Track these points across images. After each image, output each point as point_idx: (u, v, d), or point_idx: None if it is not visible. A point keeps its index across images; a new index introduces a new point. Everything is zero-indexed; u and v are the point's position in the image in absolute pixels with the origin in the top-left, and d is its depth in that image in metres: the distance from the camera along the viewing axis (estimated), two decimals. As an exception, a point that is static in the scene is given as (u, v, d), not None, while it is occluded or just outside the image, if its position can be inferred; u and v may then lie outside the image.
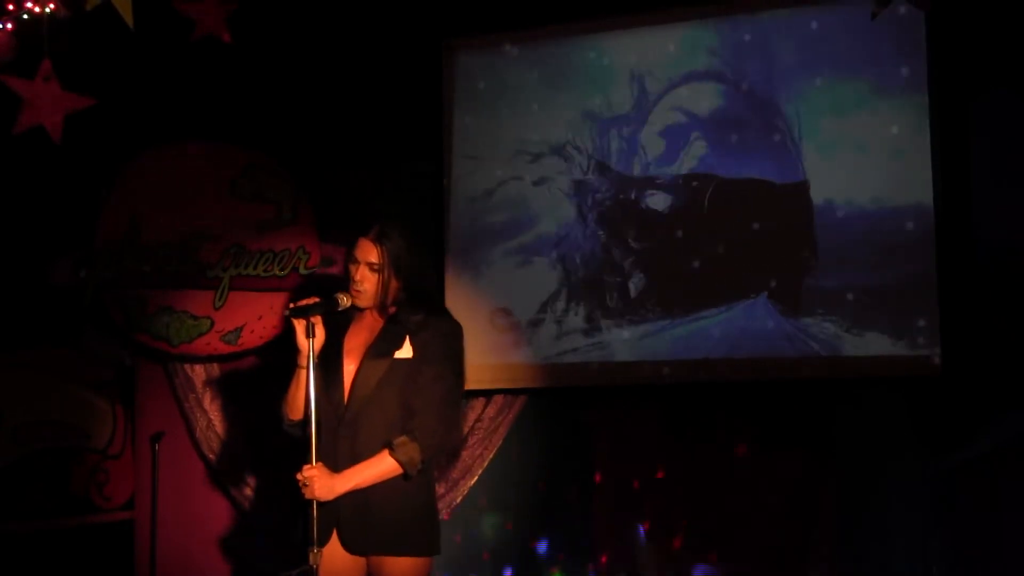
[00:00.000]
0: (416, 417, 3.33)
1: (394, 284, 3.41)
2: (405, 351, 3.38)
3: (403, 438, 3.31)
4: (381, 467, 3.31)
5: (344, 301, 3.38)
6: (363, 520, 3.34)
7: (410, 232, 3.47)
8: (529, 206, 5.06)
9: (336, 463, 3.34)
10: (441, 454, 3.50)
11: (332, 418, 3.40)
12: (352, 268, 3.42)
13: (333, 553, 3.35)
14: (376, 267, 3.39)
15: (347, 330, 3.49)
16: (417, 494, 3.39)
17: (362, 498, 3.32)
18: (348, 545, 3.35)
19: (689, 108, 4.84)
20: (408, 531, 3.36)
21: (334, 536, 3.36)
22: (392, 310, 3.44)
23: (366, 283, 3.39)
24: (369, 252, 3.39)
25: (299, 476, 3.26)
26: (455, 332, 3.46)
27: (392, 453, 3.29)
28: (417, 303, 3.43)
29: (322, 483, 3.26)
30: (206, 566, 5.43)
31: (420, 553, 3.39)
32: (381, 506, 3.33)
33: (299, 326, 3.32)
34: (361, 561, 3.40)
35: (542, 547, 5.04)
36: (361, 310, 3.46)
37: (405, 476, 3.31)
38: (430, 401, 3.34)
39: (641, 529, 4.85)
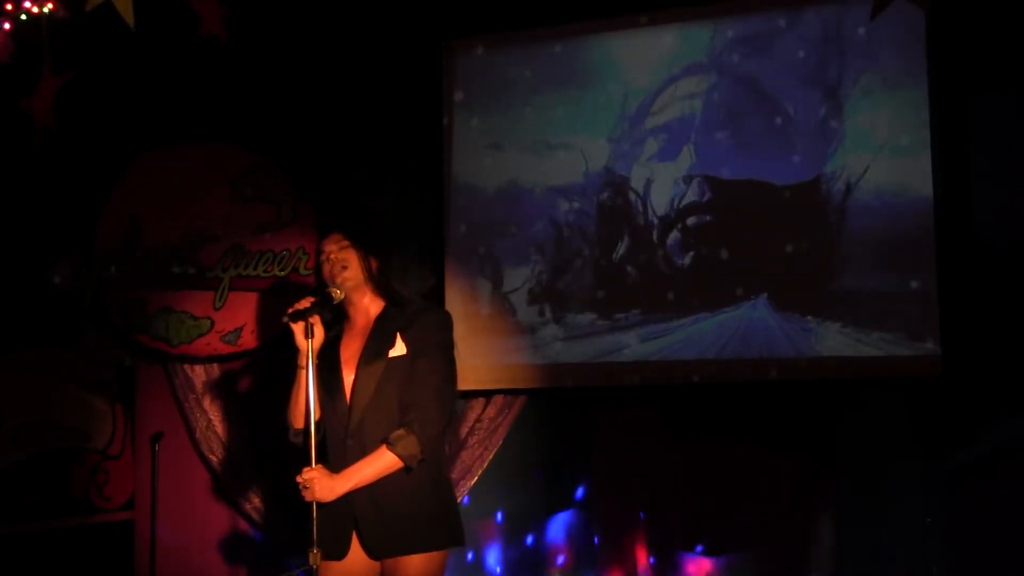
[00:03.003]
0: (412, 410, 3.33)
1: (373, 260, 3.47)
2: (398, 348, 3.39)
3: (400, 431, 3.30)
4: (380, 463, 3.30)
5: (337, 293, 3.40)
6: (379, 524, 3.32)
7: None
8: (529, 205, 5.06)
9: None
10: (441, 445, 3.47)
11: (339, 429, 3.41)
12: (326, 266, 3.46)
13: (348, 556, 3.34)
14: (346, 244, 3.45)
15: (341, 342, 3.50)
16: (428, 489, 3.36)
17: (375, 502, 3.31)
18: (368, 551, 3.34)
19: (690, 107, 4.83)
20: (420, 528, 3.34)
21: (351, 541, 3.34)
22: (382, 304, 3.46)
23: (347, 259, 3.44)
24: (333, 239, 3.48)
25: (299, 479, 3.27)
26: (445, 321, 3.50)
27: (390, 448, 3.28)
28: (405, 298, 3.47)
29: (322, 484, 3.25)
30: (206, 566, 5.42)
31: (433, 548, 3.36)
32: (394, 507, 3.32)
33: (297, 328, 3.34)
34: (376, 564, 3.37)
35: (542, 548, 5.03)
36: (352, 309, 3.48)
37: (407, 469, 3.30)
38: (426, 392, 3.34)
39: (641, 529, 4.85)
